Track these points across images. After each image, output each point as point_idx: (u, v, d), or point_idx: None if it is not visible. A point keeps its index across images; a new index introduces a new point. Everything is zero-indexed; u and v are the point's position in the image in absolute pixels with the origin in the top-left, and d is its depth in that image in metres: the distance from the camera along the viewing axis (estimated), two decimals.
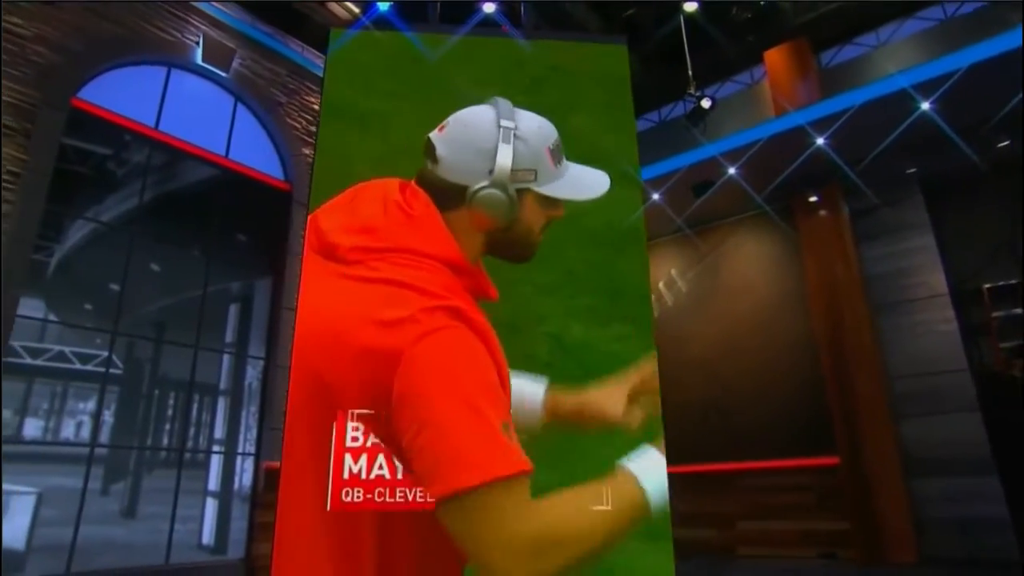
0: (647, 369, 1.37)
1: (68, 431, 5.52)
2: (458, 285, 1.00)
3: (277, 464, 6.56)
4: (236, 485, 6.47)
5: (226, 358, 6.83)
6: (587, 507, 0.95)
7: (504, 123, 1.00)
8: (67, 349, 5.54)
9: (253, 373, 6.92)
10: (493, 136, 0.99)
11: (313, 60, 8.54)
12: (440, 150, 1.02)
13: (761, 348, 8.23)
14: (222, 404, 6.68)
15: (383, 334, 0.93)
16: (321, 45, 9.14)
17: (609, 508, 0.97)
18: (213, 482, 6.37)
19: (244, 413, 6.73)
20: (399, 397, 0.91)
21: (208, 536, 6.23)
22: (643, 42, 9.65)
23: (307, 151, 8.03)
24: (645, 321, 2.62)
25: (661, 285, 9.47)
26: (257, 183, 7.53)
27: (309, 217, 1.19)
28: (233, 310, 7.02)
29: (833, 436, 7.27)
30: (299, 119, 8.19)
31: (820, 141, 7.25)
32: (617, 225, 2.90)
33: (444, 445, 0.87)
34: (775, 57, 8.64)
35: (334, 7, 8.88)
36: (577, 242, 2.53)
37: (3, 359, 5.28)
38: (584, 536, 0.93)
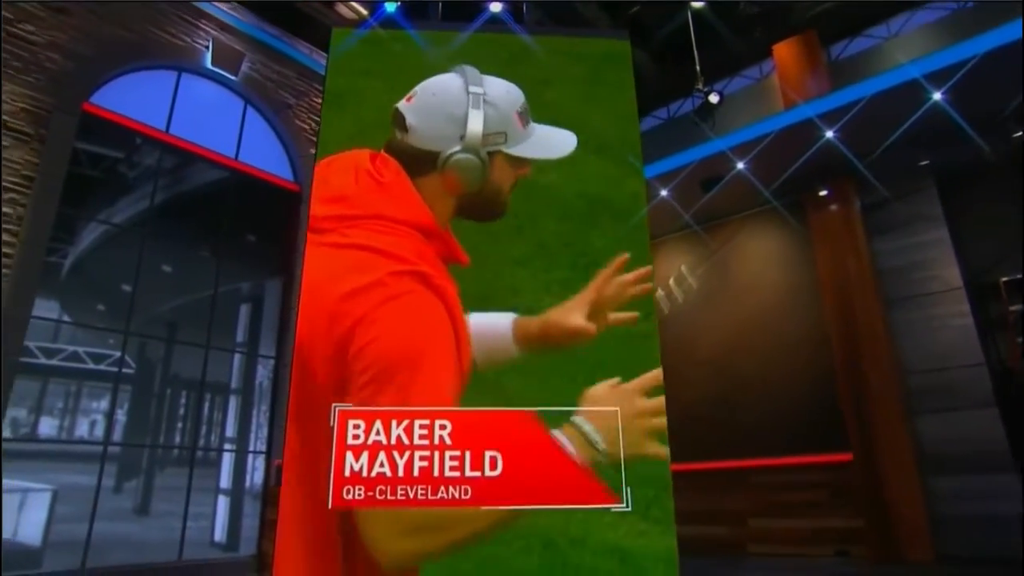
0: (603, 277, 1.36)
1: (82, 430, 5.61)
2: (429, 250, 1.06)
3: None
4: (248, 483, 6.55)
5: (237, 357, 6.91)
6: None
7: (473, 89, 1.06)
8: (81, 349, 5.64)
9: (264, 372, 6.99)
10: (463, 103, 1.05)
11: (321, 62, 8.60)
12: (410, 119, 1.08)
13: (772, 344, 8.15)
14: (233, 403, 6.76)
15: (352, 298, 0.99)
16: (327, 46, 9.26)
17: None
18: (225, 480, 6.45)
19: (255, 411, 6.81)
20: (356, 351, 0.96)
21: (220, 533, 6.31)
22: (651, 39, 9.62)
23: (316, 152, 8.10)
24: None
25: (671, 282, 9.42)
26: (267, 184, 7.61)
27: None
28: (244, 310, 7.10)
29: (845, 432, 7.18)
30: (308, 121, 8.27)
31: (829, 134, 7.16)
32: (617, 205, 2.88)
33: (389, 399, 0.91)
34: (784, 51, 8.56)
35: (341, 8, 8.94)
36: (555, 215, 2.57)
37: (19, 359, 5.40)
38: None
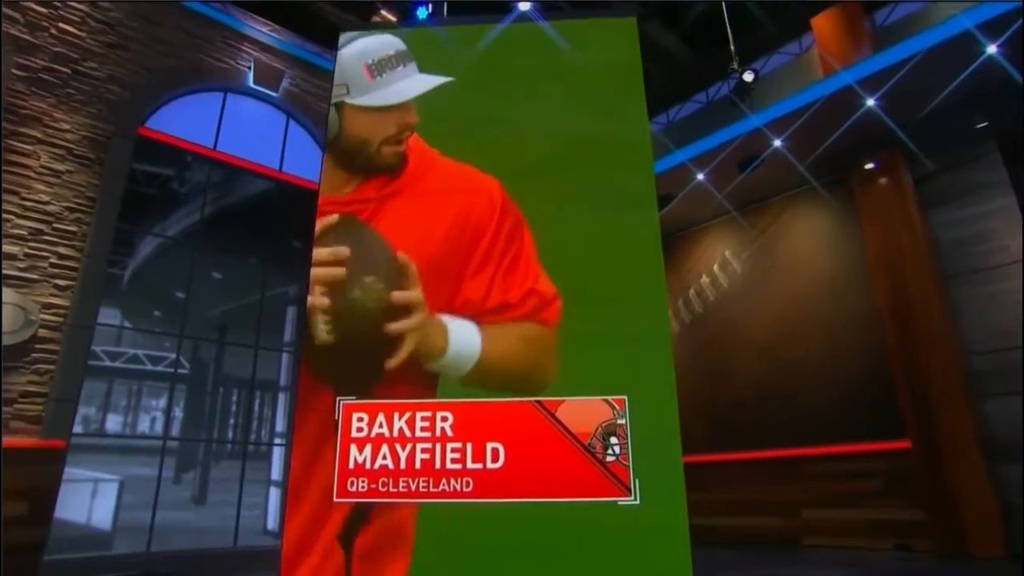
0: None
1: (144, 426, 6.11)
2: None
3: None
4: None
5: (285, 356, 7.30)
6: None
7: (343, 38, 1.17)
8: (140, 352, 6.14)
9: None
10: (335, 61, 1.16)
11: None
12: None
13: (821, 327, 7.78)
14: (282, 400, 7.14)
15: None
16: None
17: None
18: (275, 472, 6.83)
19: None
20: None
21: (272, 522, 6.69)
22: (683, 22, 9.43)
23: None
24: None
25: (715, 268, 9.17)
26: (310, 192, 7.98)
27: None
28: (290, 311, 7.49)
29: (903, 419, 6.75)
30: None
31: (871, 102, 6.79)
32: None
33: None
34: (823, 22, 8.16)
35: (376, 20, 9.27)
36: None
37: (87, 362, 5.95)
38: None
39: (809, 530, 7.32)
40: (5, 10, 6.21)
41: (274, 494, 6.76)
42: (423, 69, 3.32)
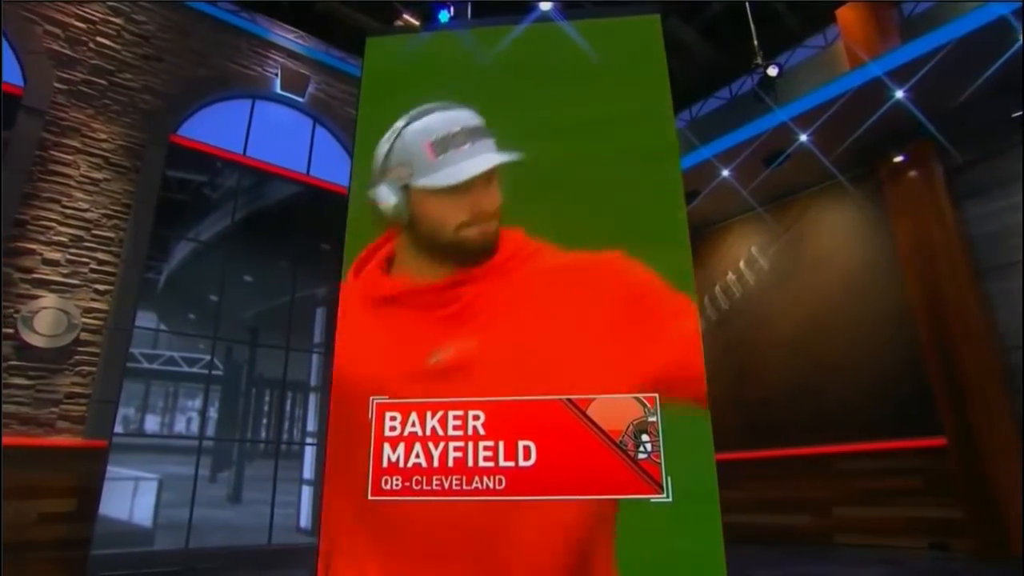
0: None
1: (180, 426, 6.27)
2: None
3: None
4: None
5: (315, 357, 7.44)
6: None
7: (398, 124, 1.10)
8: (176, 354, 6.30)
9: None
10: (384, 139, 1.10)
11: None
12: None
13: (851, 322, 7.67)
14: (313, 400, 7.28)
15: None
16: None
17: None
18: (308, 471, 6.96)
19: None
20: None
21: (305, 520, 6.82)
22: (704, 17, 9.37)
23: None
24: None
25: (741, 264, 9.09)
26: (337, 195, 8.12)
27: None
28: (320, 313, 7.62)
29: (938, 415, 6.64)
30: None
31: (900, 93, 6.68)
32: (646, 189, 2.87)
33: None
34: (849, 14, 8.05)
35: (399, 24, 9.38)
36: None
37: (126, 364, 6.13)
38: None
39: (841, 528, 7.23)
40: (47, 27, 6.43)
41: (307, 493, 6.89)
42: (446, 73, 3.38)
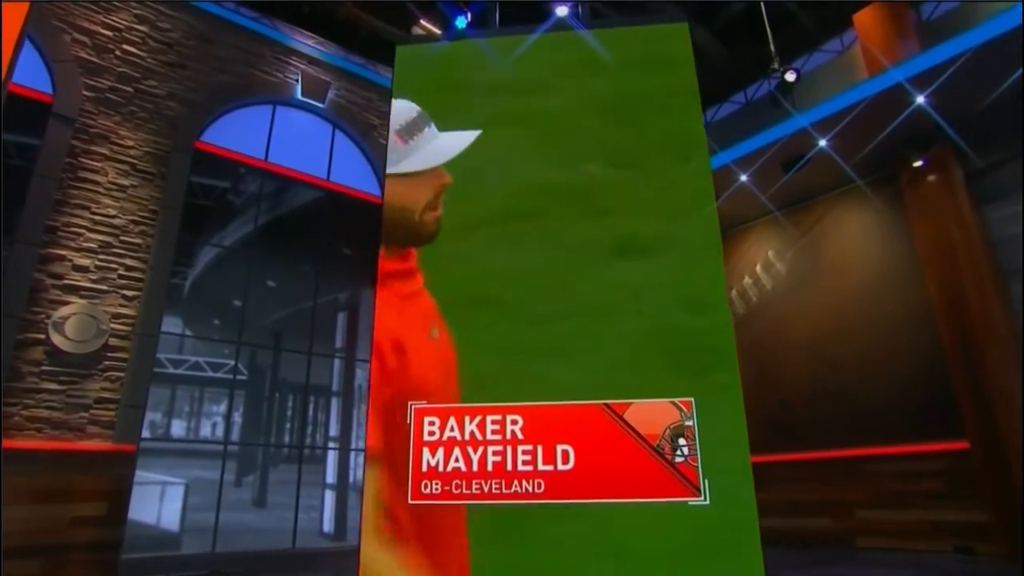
0: None
1: (206, 430, 6.31)
2: None
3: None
4: (351, 478, 7.06)
5: (337, 362, 7.48)
6: None
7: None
8: (201, 359, 6.35)
9: (362, 375, 7.52)
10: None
11: None
12: None
13: (871, 326, 7.67)
14: (335, 404, 7.31)
15: None
16: None
17: None
18: (331, 475, 7.00)
19: (355, 412, 7.33)
20: None
21: (328, 524, 6.85)
22: (720, 22, 9.41)
23: None
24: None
25: (758, 268, 9.11)
26: (357, 201, 8.18)
27: None
28: (341, 318, 7.66)
29: (961, 418, 6.63)
30: None
31: (920, 99, 6.71)
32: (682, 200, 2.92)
33: None
34: (866, 18, 8.07)
35: (416, 31, 9.44)
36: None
37: (153, 369, 6.18)
38: None
39: (864, 531, 7.22)
40: (75, 35, 6.51)
41: (329, 497, 6.93)
42: (475, 81, 3.42)
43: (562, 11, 8.55)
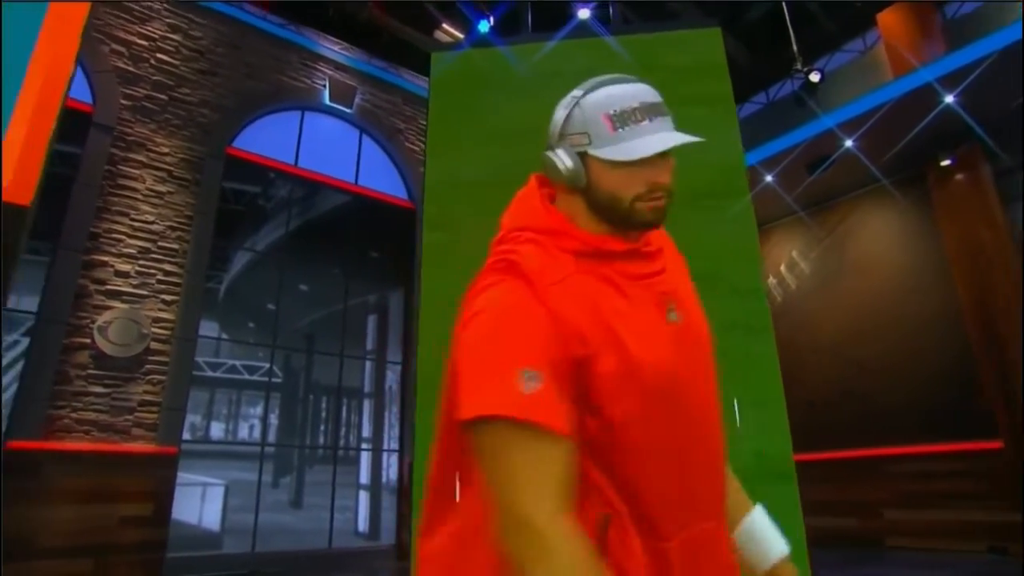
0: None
1: (243, 432, 6.41)
2: (552, 247, 1.01)
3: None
4: (384, 479, 7.15)
5: (368, 364, 7.57)
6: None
7: (575, 93, 1.06)
8: (238, 363, 6.45)
9: (392, 377, 7.61)
10: (562, 106, 1.06)
11: (425, 86, 9.21)
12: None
13: (897, 325, 7.68)
14: (367, 406, 7.41)
15: (463, 304, 0.97)
16: (429, 71, 9.89)
17: None
18: (364, 476, 7.09)
19: (387, 413, 7.42)
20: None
21: (363, 524, 6.94)
22: (741, 23, 9.44)
23: None
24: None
25: (782, 268, 9.13)
26: (385, 204, 8.27)
27: None
28: (372, 320, 7.75)
29: (993, 417, 6.64)
30: (417, 143, 8.88)
31: (950, 99, 6.72)
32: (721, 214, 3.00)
33: (458, 383, 0.88)
34: (890, 18, 8.08)
35: (439, 34, 9.52)
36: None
37: (192, 372, 6.29)
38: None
39: (893, 531, 7.23)
40: (113, 46, 6.63)
41: (363, 497, 7.02)
42: (504, 87, 3.49)
43: (584, 14, 8.62)
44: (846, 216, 8.60)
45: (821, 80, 7.96)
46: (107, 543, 5.21)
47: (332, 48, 8.57)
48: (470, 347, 0.88)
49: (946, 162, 7.29)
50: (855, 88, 8.36)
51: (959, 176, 7.27)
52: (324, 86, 8.29)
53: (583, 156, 1.01)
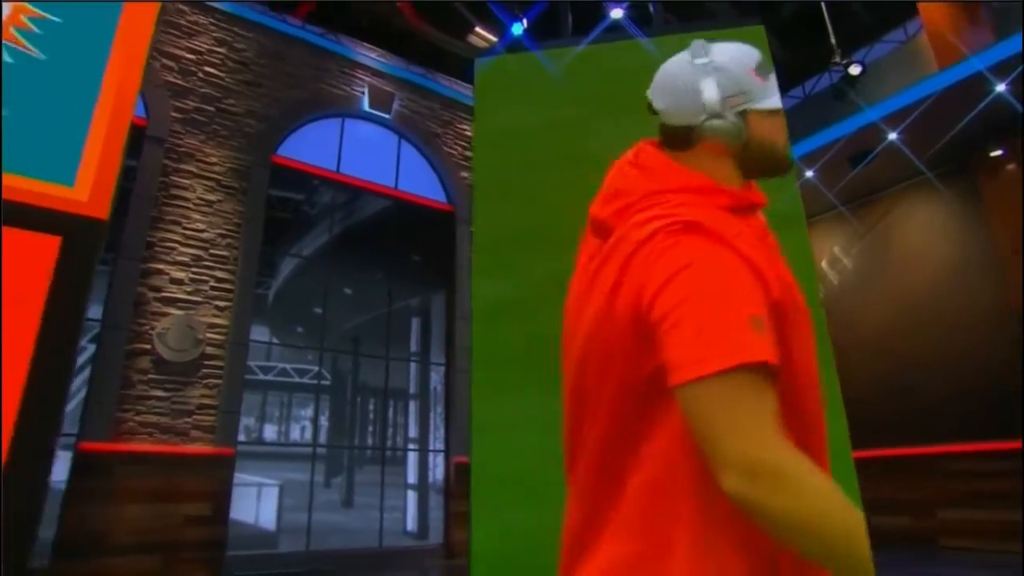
0: None
1: (295, 433, 6.55)
2: (709, 204, 1.01)
3: (466, 459, 7.18)
4: (431, 479, 7.26)
5: (412, 365, 7.68)
6: (841, 496, 0.78)
7: (697, 61, 1.08)
8: (288, 366, 6.60)
9: (436, 378, 7.71)
10: (692, 75, 1.07)
11: (460, 91, 9.33)
12: (656, 102, 1.12)
13: (944, 321, 7.53)
14: (413, 407, 7.52)
15: (628, 271, 0.95)
16: (465, 75, 9.99)
17: (854, 523, 0.79)
18: (412, 476, 7.20)
19: (432, 414, 7.53)
20: (644, 312, 0.90)
21: (411, 523, 7.05)
22: (777, 18, 9.35)
23: (464, 174, 8.77)
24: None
25: (824, 264, 9.02)
26: (424, 208, 8.38)
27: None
28: (415, 323, 7.86)
29: None
30: (455, 146, 8.99)
31: (1001, 87, 6.58)
32: (773, 211, 3.01)
33: (676, 343, 0.85)
34: (933, 7, 7.93)
35: (472, 38, 9.61)
36: None
37: (244, 376, 6.46)
38: (812, 506, 0.77)
39: (946, 531, 7.10)
40: (164, 61, 6.84)
41: (411, 497, 7.13)
42: (548, 89, 3.53)
43: (616, 13, 8.62)
44: (889, 210, 8.46)
45: (862, 72, 7.87)
46: (173, 541, 5.39)
47: (369, 55, 8.71)
48: (688, 303, 0.85)
49: (996, 153, 7.14)
50: (896, 79, 8.23)
51: (1010, 167, 7.11)
52: (363, 93, 8.43)
53: (743, 115, 1.05)
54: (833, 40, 8.29)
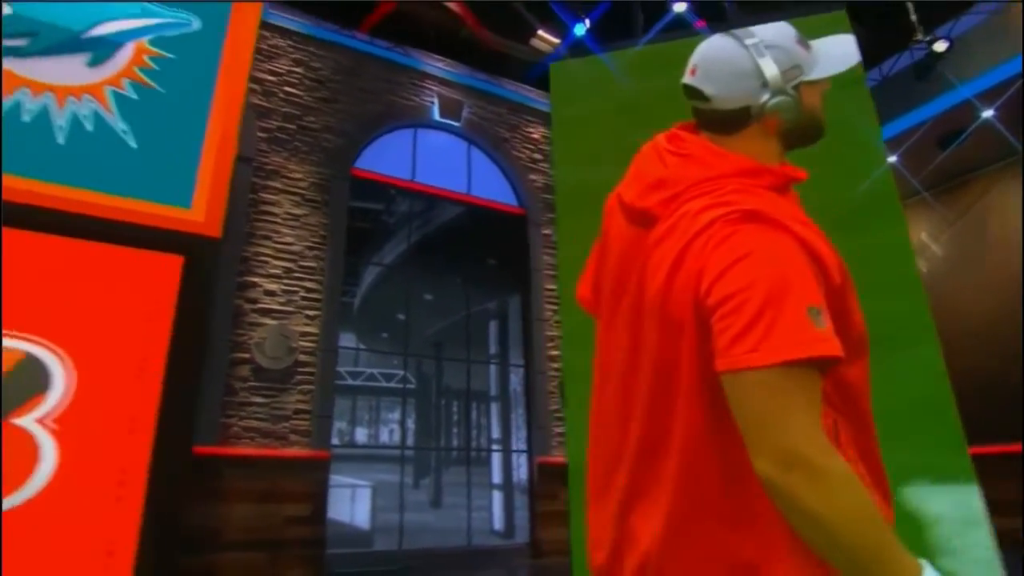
0: None
1: (384, 436, 6.77)
2: (758, 187, 1.01)
3: (548, 459, 7.22)
4: (515, 478, 7.35)
5: (492, 368, 7.80)
6: (874, 508, 0.79)
7: (749, 42, 1.07)
8: (375, 371, 6.82)
9: (516, 379, 7.81)
10: (746, 57, 1.07)
11: (526, 95, 9.41)
12: (707, 90, 1.10)
13: None
14: (494, 408, 7.64)
15: (685, 260, 0.94)
16: (528, 79, 10.07)
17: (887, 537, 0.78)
18: (496, 476, 7.31)
19: (513, 415, 7.62)
20: (702, 298, 0.90)
21: (498, 523, 7.16)
22: None
23: (534, 177, 8.85)
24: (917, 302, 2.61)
25: None
26: (497, 212, 8.50)
27: (609, 196, 1.19)
28: (493, 326, 7.99)
29: None
30: (523, 150, 9.08)
31: None
32: (868, 200, 2.92)
33: (741, 322, 0.84)
34: None
35: (535, 42, 9.67)
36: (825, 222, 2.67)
37: (335, 382, 6.73)
38: (841, 513, 0.76)
39: None
40: (249, 84, 7.20)
41: (497, 497, 7.24)
42: (629, 91, 3.53)
43: (680, 7, 8.50)
44: (983, 193, 8.01)
45: (949, 49, 7.49)
46: (277, 539, 5.66)
47: (437, 66, 8.90)
48: (747, 291, 0.85)
49: None
50: (985, 55, 7.79)
51: None
52: (433, 103, 8.63)
53: (798, 88, 1.07)
54: (914, 17, 7.93)
